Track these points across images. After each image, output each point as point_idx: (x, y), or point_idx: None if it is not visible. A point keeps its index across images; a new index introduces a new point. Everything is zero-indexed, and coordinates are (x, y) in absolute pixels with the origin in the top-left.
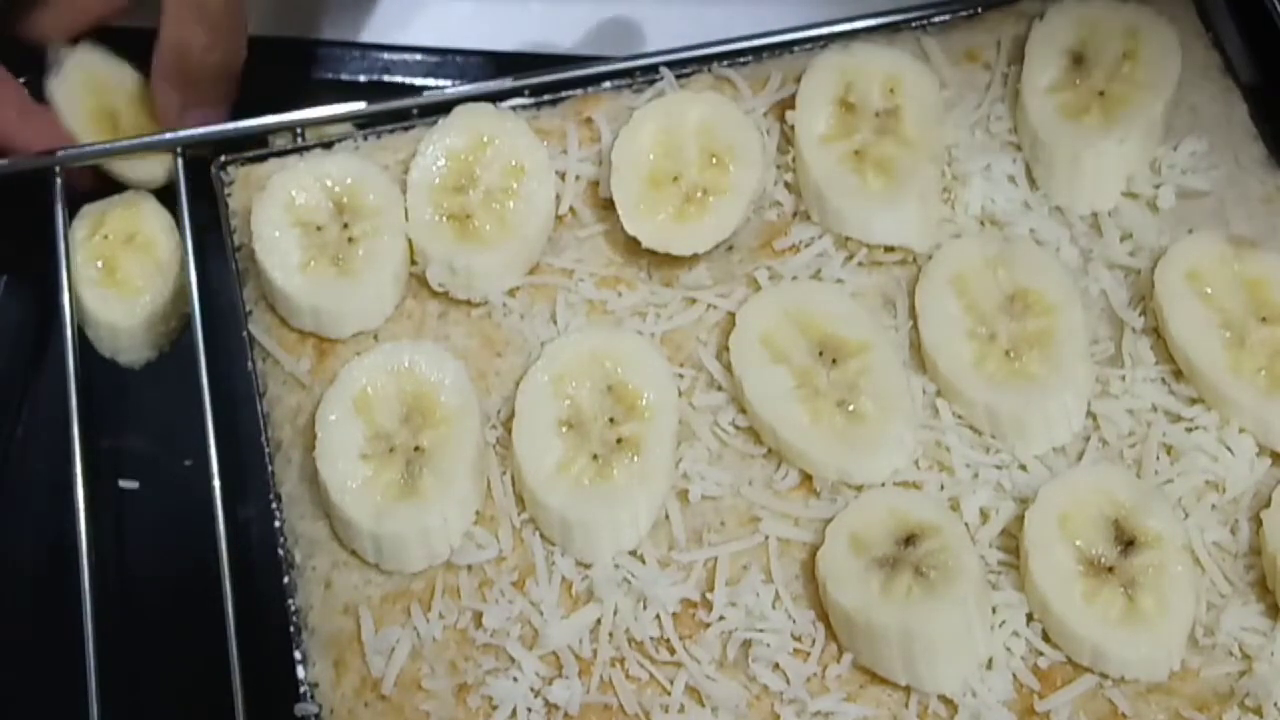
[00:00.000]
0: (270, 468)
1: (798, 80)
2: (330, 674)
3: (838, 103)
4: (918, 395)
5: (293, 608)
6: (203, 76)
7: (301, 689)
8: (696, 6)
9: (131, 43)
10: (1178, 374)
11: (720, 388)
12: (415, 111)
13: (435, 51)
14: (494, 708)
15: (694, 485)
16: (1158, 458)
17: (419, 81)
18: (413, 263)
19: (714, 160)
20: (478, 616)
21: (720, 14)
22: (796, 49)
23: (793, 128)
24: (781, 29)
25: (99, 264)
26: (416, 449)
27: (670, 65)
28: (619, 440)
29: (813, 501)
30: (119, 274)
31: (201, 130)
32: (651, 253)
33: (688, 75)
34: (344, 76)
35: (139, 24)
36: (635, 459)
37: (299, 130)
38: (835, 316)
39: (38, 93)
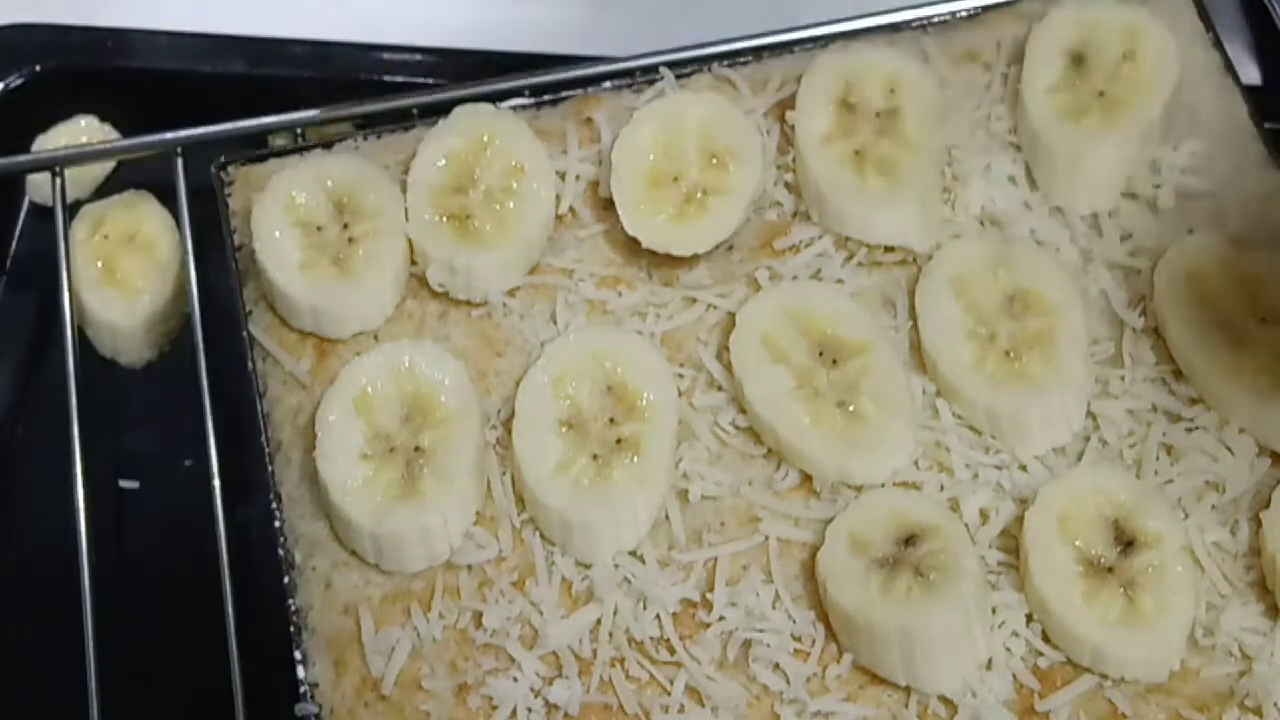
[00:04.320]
0: (270, 468)
1: (798, 80)
2: (330, 674)
3: (838, 103)
4: (918, 395)
5: (293, 608)
6: None
7: (301, 689)
8: (696, 6)
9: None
10: (1178, 374)
11: (720, 388)
12: (415, 111)
13: (435, 51)
14: (494, 708)
15: (694, 485)
16: (1158, 458)
17: (419, 81)
18: (413, 263)
19: (714, 160)
20: (478, 616)
21: (720, 14)
22: (796, 49)
23: (793, 128)
24: (781, 29)
25: (99, 264)
26: (416, 449)
27: (670, 65)
28: (619, 440)
29: (813, 502)
30: (119, 274)
31: (201, 130)
32: (651, 253)
33: (688, 75)
34: (344, 76)
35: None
36: (635, 459)
37: (299, 130)
38: (835, 316)
39: None
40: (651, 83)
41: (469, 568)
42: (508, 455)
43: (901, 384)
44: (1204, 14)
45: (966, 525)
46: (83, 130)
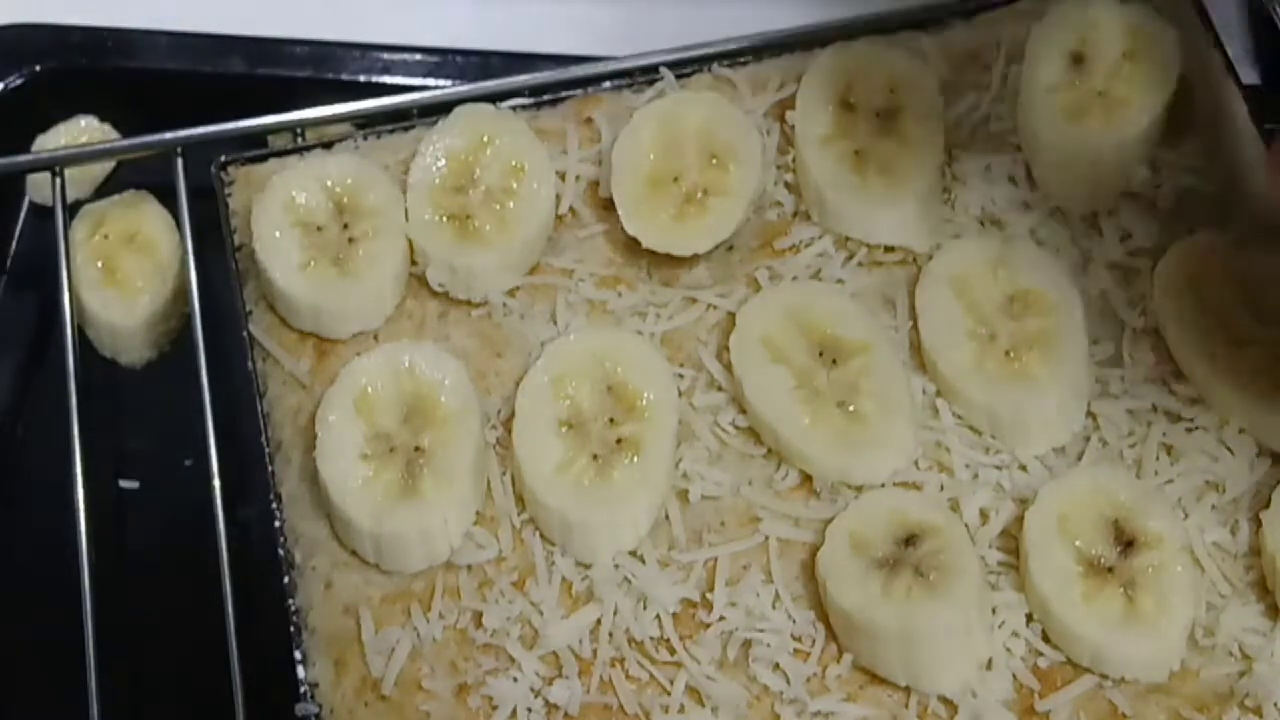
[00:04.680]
0: (270, 468)
1: (798, 80)
2: (330, 674)
3: (838, 103)
4: (918, 395)
5: (293, 608)
6: None
7: (301, 689)
8: (696, 6)
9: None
10: (1178, 374)
11: (720, 388)
12: (415, 111)
13: (435, 51)
14: (494, 708)
15: (694, 485)
16: (1157, 458)
17: (419, 81)
18: (413, 263)
19: (714, 160)
20: (478, 617)
21: (720, 14)
22: (796, 49)
23: (793, 128)
24: (781, 29)
25: (99, 264)
26: (416, 449)
27: (670, 65)
28: (619, 440)
29: (813, 501)
30: (119, 274)
31: (201, 130)
32: (651, 253)
33: (688, 75)
34: (344, 76)
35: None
36: (635, 459)
37: (299, 130)
38: (835, 316)
39: None
40: (651, 83)
41: (469, 568)
42: (508, 455)
43: (902, 384)
44: (1204, 14)
45: (966, 525)
46: (83, 130)
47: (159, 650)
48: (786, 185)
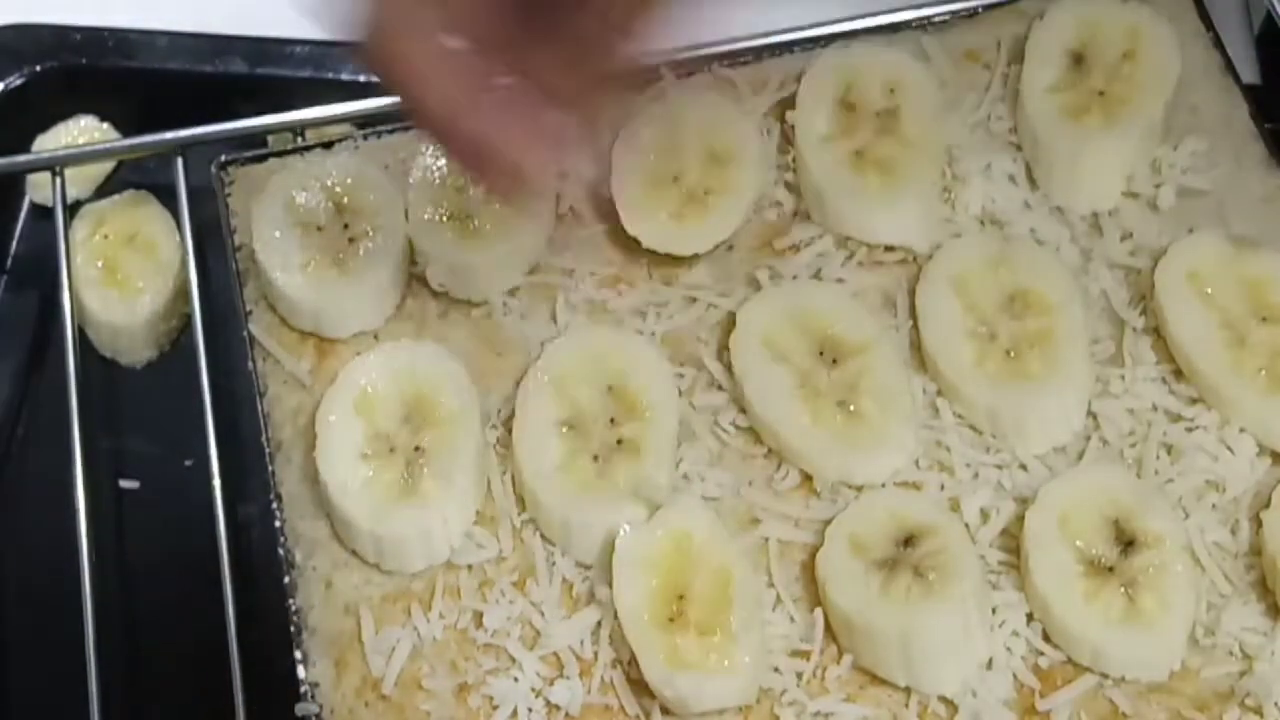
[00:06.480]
0: (270, 468)
1: (798, 80)
2: (331, 674)
3: (838, 103)
4: (918, 395)
5: (293, 608)
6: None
7: (302, 689)
8: (696, 7)
9: None
10: (1178, 373)
11: (720, 388)
12: None
13: None
14: (495, 708)
15: (694, 486)
16: (1158, 457)
17: None
18: (413, 263)
19: (714, 160)
20: (478, 616)
21: (720, 14)
22: (796, 49)
23: (793, 128)
24: (781, 29)
25: (99, 264)
26: (417, 449)
27: (670, 65)
28: (619, 440)
29: (813, 502)
30: (119, 274)
31: (201, 130)
32: (652, 252)
33: (688, 75)
34: (344, 76)
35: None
36: (636, 460)
37: (299, 130)
38: (836, 316)
39: None
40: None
41: (469, 568)
42: (508, 455)
43: (902, 383)
44: (1204, 14)
45: (967, 525)
46: (83, 130)
47: (159, 650)
48: (786, 185)
